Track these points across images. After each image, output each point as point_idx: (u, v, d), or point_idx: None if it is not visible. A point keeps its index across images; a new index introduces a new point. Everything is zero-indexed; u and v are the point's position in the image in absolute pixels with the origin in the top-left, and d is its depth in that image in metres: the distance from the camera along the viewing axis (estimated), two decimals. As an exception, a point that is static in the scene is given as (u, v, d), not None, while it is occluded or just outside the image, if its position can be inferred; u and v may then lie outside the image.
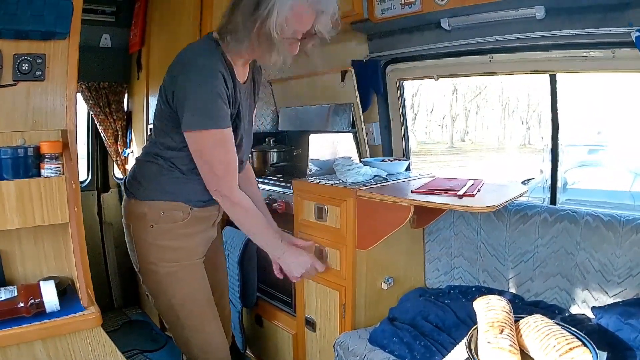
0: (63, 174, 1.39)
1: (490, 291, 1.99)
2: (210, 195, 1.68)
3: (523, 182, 5.77)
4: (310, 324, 2.10)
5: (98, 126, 3.32)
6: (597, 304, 1.74)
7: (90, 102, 3.22)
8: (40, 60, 1.46)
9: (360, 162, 2.20)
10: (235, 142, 1.64)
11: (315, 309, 2.07)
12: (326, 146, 2.31)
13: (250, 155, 2.62)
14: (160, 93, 1.62)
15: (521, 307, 1.83)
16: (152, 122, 1.84)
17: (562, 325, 1.31)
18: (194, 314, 1.76)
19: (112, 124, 3.33)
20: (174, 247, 1.70)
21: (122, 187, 1.79)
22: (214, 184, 1.64)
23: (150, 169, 1.70)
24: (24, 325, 1.26)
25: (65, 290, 1.45)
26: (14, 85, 1.45)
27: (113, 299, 3.60)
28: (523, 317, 1.36)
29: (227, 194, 1.65)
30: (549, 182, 2.28)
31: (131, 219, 1.72)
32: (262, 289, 2.44)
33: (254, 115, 1.88)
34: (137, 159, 1.80)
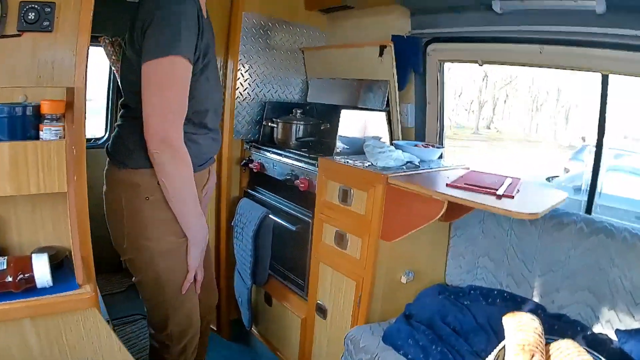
0: (64, 137, 1.25)
1: (512, 297, 1.90)
2: (204, 158, 1.58)
3: (547, 179, 5.61)
4: (321, 310, 2.03)
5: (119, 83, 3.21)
6: (621, 326, 1.65)
7: (113, 57, 3.09)
8: (49, 9, 1.31)
9: (392, 144, 2.09)
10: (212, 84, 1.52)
11: (329, 296, 1.99)
12: (357, 123, 2.20)
13: (275, 124, 2.50)
14: (131, 41, 1.43)
15: (543, 318, 1.71)
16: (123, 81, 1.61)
17: (592, 353, 1.21)
18: (178, 289, 1.61)
19: (134, 82, 3.21)
20: (174, 219, 1.53)
21: (106, 153, 1.58)
22: (164, 128, 1.40)
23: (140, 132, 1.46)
24: (11, 301, 1.17)
25: (63, 262, 1.34)
26: (19, 36, 1.31)
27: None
28: (555, 340, 1.26)
29: (174, 143, 1.42)
30: (586, 185, 2.15)
31: (121, 190, 1.52)
32: (274, 266, 2.37)
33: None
34: (121, 124, 1.57)
